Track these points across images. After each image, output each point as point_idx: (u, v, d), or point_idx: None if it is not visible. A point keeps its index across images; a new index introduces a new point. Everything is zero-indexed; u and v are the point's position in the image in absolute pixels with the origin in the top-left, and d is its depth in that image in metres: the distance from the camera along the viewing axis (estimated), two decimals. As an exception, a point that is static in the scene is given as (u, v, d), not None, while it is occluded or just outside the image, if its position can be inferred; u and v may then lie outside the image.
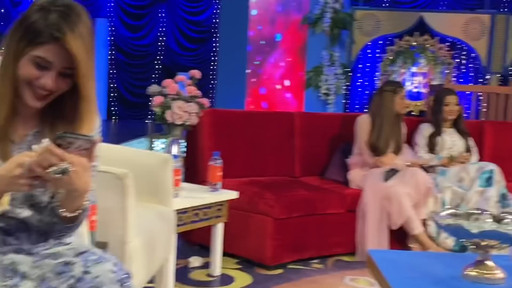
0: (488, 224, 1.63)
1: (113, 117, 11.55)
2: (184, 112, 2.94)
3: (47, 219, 1.35)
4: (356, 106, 11.20)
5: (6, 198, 1.26)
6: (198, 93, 3.04)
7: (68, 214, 1.30)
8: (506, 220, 1.67)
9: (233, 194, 3.07)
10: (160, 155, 2.75)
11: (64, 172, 1.17)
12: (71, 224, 1.33)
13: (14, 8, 9.71)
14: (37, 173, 1.17)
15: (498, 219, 1.70)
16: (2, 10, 9.62)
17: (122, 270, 1.32)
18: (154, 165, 2.48)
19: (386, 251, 3.03)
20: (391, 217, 3.47)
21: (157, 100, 2.96)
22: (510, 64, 10.17)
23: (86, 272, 1.27)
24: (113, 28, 11.40)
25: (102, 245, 1.90)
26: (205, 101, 3.07)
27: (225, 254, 3.31)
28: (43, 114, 1.36)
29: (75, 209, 1.30)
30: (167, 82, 2.99)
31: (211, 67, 11.07)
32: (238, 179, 3.54)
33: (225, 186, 3.15)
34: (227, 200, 3.04)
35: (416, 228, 3.44)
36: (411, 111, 11.00)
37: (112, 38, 11.40)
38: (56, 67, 1.26)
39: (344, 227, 3.52)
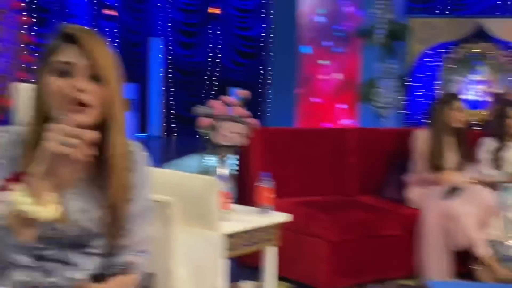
0: None
1: (172, 133, 11.76)
2: (231, 133, 2.88)
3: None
4: (416, 117, 10.89)
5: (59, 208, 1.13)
6: (246, 113, 2.97)
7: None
8: None
9: (285, 217, 2.96)
10: (206, 178, 2.68)
11: None
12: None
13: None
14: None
15: None
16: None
17: None
18: (200, 188, 2.42)
19: (446, 283, 2.84)
20: (453, 238, 3.27)
21: (203, 122, 2.91)
22: None
23: None
24: (166, 47, 11.59)
25: (148, 277, 1.84)
26: (254, 121, 3.00)
27: (279, 277, 3.21)
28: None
29: None
30: (214, 103, 2.94)
31: (263, 81, 11.08)
32: (291, 199, 3.44)
33: (277, 207, 3.04)
34: (279, 223, 2.94)
35: (480, 250, 3.23)
36: (473, 120, 10.59)
37: (167, 56, 11.60)
38: (77, 67, 1.18)
39: (403, 249, 3.35)
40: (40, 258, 1.25)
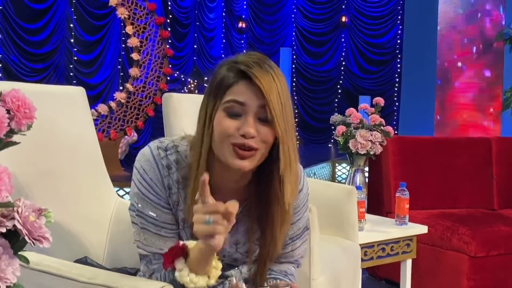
0: None
1: (297, 142, 11.83)
2: (367, 141, 2.83)
3: None
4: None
5: (218, 267, 1.15)
6: (382, 120, 2.91)
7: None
8: None
9: (422, 229, 2.85)
10: (344, 186, 2.66)
11: None
12: None
13: (207, 44, 10.53)
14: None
15: None
16: (196, 46, 10.51)
17: None
18: (338, 197, 2.40)
19: None
20: None
21: (339, 129, 2.89)
22: None
23: None
24: (295, 56, 11.74)
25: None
26: (390, 129, 2.92)
27: (414, 292, 3.10)
28: (245, 187, 1.23)
29: None
30: (350, 111, 2.91)
31: (395, 89, 10.79)
32: (427, 211, 3.31)
33: (412, 219, 2.95)
34: (416, 235, 2.84)
35: None
36: None
37: (294, 66, 11.74)
38: (250, 108, 1.10)
39: (554, 269, 3.07)
40: None
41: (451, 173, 3.53)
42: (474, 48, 5.71)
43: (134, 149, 6.05)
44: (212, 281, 1.11)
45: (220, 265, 1.13)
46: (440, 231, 3.03)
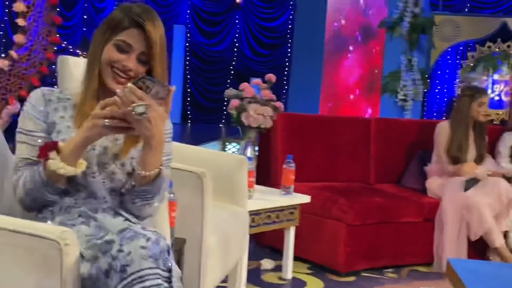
0: None
1: (188, 121, 11.82)
2: (259, 115, 2.96)
3: (120, 186, 1.45)
4: (434, 113, 10.88)
5: (84, 162, 1.38)
6: (273, 96, 3.05)
7: (145, 172, 1.37)
8: None
9: (306, 198, 3.05)
10: (236, 156, 2.78)
11: (143, 113, 1.25)
12: (149, 187, 1.40)
13: (97, 15, 10.16)
14: (118, 114, 1.28)
15: None
16: (85, 16, 10.08)
17: (157, 245, 1.23)
18: (230, 166, 2.51)
19: (467, 260, 2.92)
20: (471, 228, 3.33)
21: (233, 103, 2.99)
22: None
23: (120, 250, 1.22)
24: (189, 35, 11.69)
25: (181, 241, 1.95)
26: (280, 105, 3.08)
27: (296, 258, 3.30)
28: None
29: (152, 167, 1.37)
30: (244, 85, 3.02)
31: (284, 73, 11.11)
32: (310, 184, 3.52)
33: (296, 190, 3.14)
34: (299, 204, 3.03)
35: (497, 240, 3.29)
36: (492, 120, 10.56)
37: (188, 44, 11.69)
38: (135, 51, 1.41)
39: (420, 237, 3.42)
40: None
41: (333, 149, 3.77)
42: (359, 35, 6.07)
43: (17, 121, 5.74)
44: (79, 171, 1.37)
45: (85, 162, 1.39)
46: (321, 201, 3.24)
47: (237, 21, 11.82)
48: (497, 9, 10.77)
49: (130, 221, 1.44)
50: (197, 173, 1.97)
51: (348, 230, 3.14)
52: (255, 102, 3.00)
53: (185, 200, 1.93)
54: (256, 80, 3.08)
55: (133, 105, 1.26)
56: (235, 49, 11.90)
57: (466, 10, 10.84)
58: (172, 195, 1.83)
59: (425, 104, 11.03)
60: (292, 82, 6.43)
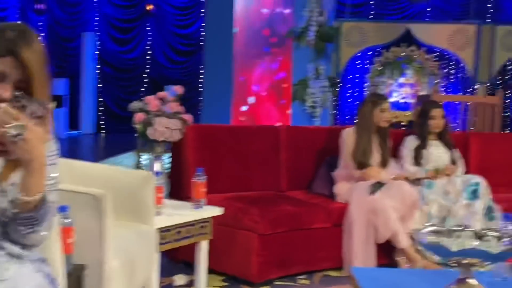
0: (469, 242, 1.61)
1: (102, 131, 11.48)
2: (166, 129, 2.91)
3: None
4: (347, 117, 11.25)
5: None
6: (181, 109, 3.02)
7: (27, 198, 1.29)
8: (487, 237, 1.66)
9: (217, 211, 3.03)
10: (141, 173, 2.72)
11: (18, 134, 1.18)
12: (33, 213, 1.32)
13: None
14: None
15: (479, 236, 1.69)
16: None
17: None
18: (134, 183, 2.45)
19: (369, 269, 3.00)
20: (378, 231, 3.44)
21: (138, 116, 2.93)
22: (497, 73, 10.25)
23: None
24: (100, 42, 11.37)
25: (80, 268, 1.86)
26: (188, 117, 3.05)
27: (211, 271, 3.27)
28: None
29: (34, 192, 1.29)
30: (149, 98, 2.96)
31: (200, 80, 11.07)
32: (223, 195, 3.51)
33: (210, 202, 3.11)
34: (211, 217, 3.01)
35: (403, 242, 3.42)
36: (400, 121, 11.05)
37: (99, 52, 11.37)
38: (11, 79, 1.32)
39: (330, 242, 3.49)
40: None
41: (245, 159, 3.79)
42: (268, 44, 6.15)
43: None
44: None
45: None
46: (233, 212, 3.24)
47: (149, 28, 11.64)
48: (400, 16, 11.30)
49: (13, 254, 1.35)
50: (94, 195, 1.89)
51: (260, 240, 3.15)
52: (161, 116, 2.95)
53: (83, 223, 1.86)
54: (162, 93, 3.03)
55: (7, 126, 1.18)
56: (148, 57, 11.72)
57: (371, 17, 11.29)
58: (67, 220, 1.75)
59: (337, 110, 11.39)
60: (205, 91, 6.41)
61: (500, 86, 10.28)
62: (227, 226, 3.26)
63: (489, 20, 10.78)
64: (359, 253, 3.42)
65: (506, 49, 9.94)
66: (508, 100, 11.10)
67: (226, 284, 3.20)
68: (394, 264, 3.51)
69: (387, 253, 3.53)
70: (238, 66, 6.08)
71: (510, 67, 10.89)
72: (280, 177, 3.92)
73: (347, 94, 11.34)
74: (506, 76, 11.13)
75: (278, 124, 5.99)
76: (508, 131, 10.77)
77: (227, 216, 3.22)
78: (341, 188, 3.71)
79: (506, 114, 10.91)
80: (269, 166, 3.89)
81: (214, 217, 3.03)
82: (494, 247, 1.54)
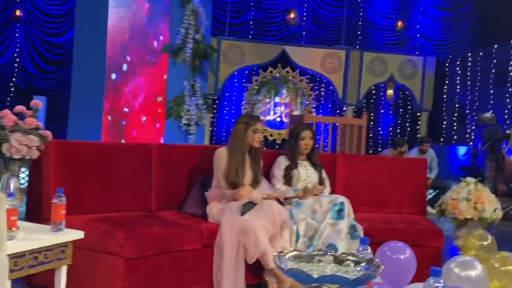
0: (329, 268, 1.63)
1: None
2: (22, 146, 2.68)
3: None
4: (223, 134, 11.33)
5: None
6: (39, 124, 2.80)
7: None
8: (346, 262, 1.69)
9: (78, 234, 2.83)
10: (-9, 194, 2.46)
11: None
12: None
13: None
14: None
15: (339, 260, 1.72)
16: None
17: None
18: (-18, 206, 2.20)
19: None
20: (248, 251, 3.44)
21: (-9, 132, 2.67)
22: (364, 97, 10.91)
23: None
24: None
25: None
26: (48, 133, 2.84)
27: (72, 298, 3.07)
28: None
29: None
30: (4, 112, 2.72)
31: (71, 92, 10.56)
32: (87, 216, 3.32)
33: (72, 225, 2.91)
34: (71, 241, 2.80)
35: (272, 262, 3.44)
36: (275, 139, 11.35)
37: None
38: None
39: (201, 264, 3.42)
40: None
41: (113, 178, 3.61)
42: (142, 59, 6.00)
43: None
44: None
45: None
46: (98, 235, 3.06)
47: (17, 35, 10.93)
48: (278, 37, 11.67)
49: None
50: None
51: (125, 265, 3.00)
52: (17, 131, 2.71)
53: None
54: (19, 107, 2.79)
55: None
56: (16, 64, 10.99)
57: (250, 36, 11.54)
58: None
59: (214, 127, 11.45)
60: (73, 103, 6.07)
61: (365, 109, 10.95)
62: (90, 250, 3.07)
63: (358, 47, 11.48)
64: (229, 274, 3.38)
65: (372, 74, 10.63)
66: (372, 123, 11.88)
67: (88, 312, 3.00)
68: (263, 285, 3.52)
69: (257, 273, 3.54)
70: (109, 80, 5.85)
71: (374, 91, 11.67)
72: (151, 197, 3.79)
73: (224, 112, 11.45)
74: (371, 99, 11.92)
75: (150, 141, 5.84)
76: (371, 151, 11.50)
77: (91, 240, 3.04)
78: (213, 208, 3.67)
79: (370, 135, 11.65)
80: (139, 185, 3.75)
81: (77, 241, 2.84)
82: (352, 272, 1.57)
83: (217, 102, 11.07)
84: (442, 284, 1.40)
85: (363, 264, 1.66)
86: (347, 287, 1.60)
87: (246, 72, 11.23)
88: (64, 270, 2.83)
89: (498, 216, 4.39)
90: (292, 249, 1.74)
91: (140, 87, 5.97)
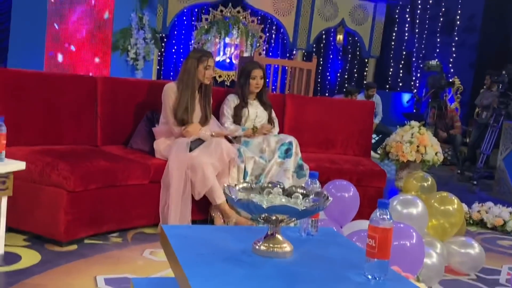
0: (278, 199, 1.63)
1: None
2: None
3: None
4: (171, 73, 11.09)
5: None
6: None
7: None
8: (295, 194, 1.70)
9: (20, 165, 2.74)
10: None
11: None
12: None
13: None
14: None
15: (288, 193, 1.72)
16: None
17: None
18: None
19: (179, 226, 2.98)
20: (195, 187, 3.43)
21: None
22: (314, 41, 10.87)
23: None
24: None
25: None
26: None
27: (12, 230, 3.00)
28: None
29: None
30: None
31: (9, 23, 10.00)
32: (29, 147, 3.21)
33: (13, 156, 2.83)
34: (12, 172, 2.71)
35: (218, 198, 3.46)
36: (224, 81, 11.23)
37: None
38: None
39: (147, 199, 3.40)
40: None
41: (56, 110, 3.48)
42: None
43: None
44: None
45: None
46: (40, 167, 2.97)
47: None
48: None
49: None
50: None
51: (69, 197, 2.93)
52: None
53: None
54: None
55: None
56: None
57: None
58: None
59: (162, 64, 11.18)
60: (13, 34, 5.74)
61: (314, 54, 10.95)
62: (32, 182, 2.99)
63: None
64: (175, 210, 3.38)
65: (323, 19, 10.57)
66: (321, 67, 11.91)
67: (29, 243, 2.94)
68: (210, 220, 3.54)
69: (203, 209, 3.55)
70: (51, 8, 5.55)
71: (324, 36, 11.64)
72: (96, 131, 3.70)
73: (173, 50, 11.18)
74: (321, 44, 11.90)
75: (98, 74, 5.64)
76: (319, 95, 11.60)
77: (33, 171, 2.96)
78: (161, 144, 3.62)
79: (318, 79, 11.70)
80: (84, 118, 3.64)
81: (18, 172, 2.75)
82: (300, 204, 1.58)
83: (165, 40, 10.77)
84: (388, 216, 1.43)
85: (311, 197, 1.67)
86: (296, 217, 1.61)
87: (196, 10, 10.93)
88: (4, 201, 2.75)
89: (440, 159, 4.56)
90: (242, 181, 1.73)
91: (85, 18, 5.70)
